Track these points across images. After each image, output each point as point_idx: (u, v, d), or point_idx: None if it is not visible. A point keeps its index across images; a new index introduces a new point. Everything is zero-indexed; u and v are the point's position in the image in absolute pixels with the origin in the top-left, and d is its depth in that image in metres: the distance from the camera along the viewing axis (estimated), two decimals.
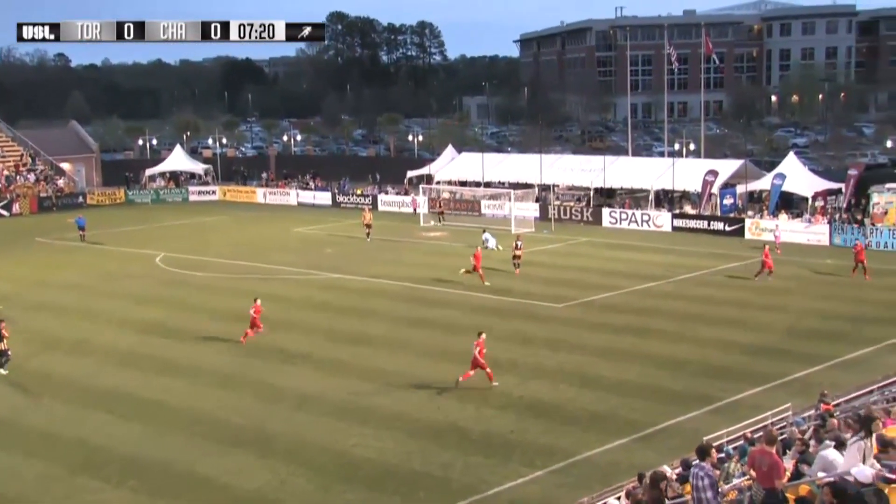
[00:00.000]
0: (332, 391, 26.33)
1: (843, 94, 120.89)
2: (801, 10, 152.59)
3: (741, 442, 18.69)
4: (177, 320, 35.02)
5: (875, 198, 48.54)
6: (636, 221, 55.93)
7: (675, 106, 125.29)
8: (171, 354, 30.50)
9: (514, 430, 22.98)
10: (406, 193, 67.80)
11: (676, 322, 32.96)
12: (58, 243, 55.66)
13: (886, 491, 11.60)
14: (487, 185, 63.69)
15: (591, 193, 59.82)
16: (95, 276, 44.86)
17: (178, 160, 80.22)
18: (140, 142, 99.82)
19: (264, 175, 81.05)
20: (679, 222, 54.25)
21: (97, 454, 22.24)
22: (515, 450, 21.82)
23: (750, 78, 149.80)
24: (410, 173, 70.71)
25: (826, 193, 52.21)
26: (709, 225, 52.91)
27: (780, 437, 15.79)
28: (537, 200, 60.44)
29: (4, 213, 69.06)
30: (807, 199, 51.93)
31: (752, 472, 12.76)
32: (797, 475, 13.81)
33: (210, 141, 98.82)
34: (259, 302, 31.37)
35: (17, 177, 74.31)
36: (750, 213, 53.13)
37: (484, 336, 26.20)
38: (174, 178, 79.47)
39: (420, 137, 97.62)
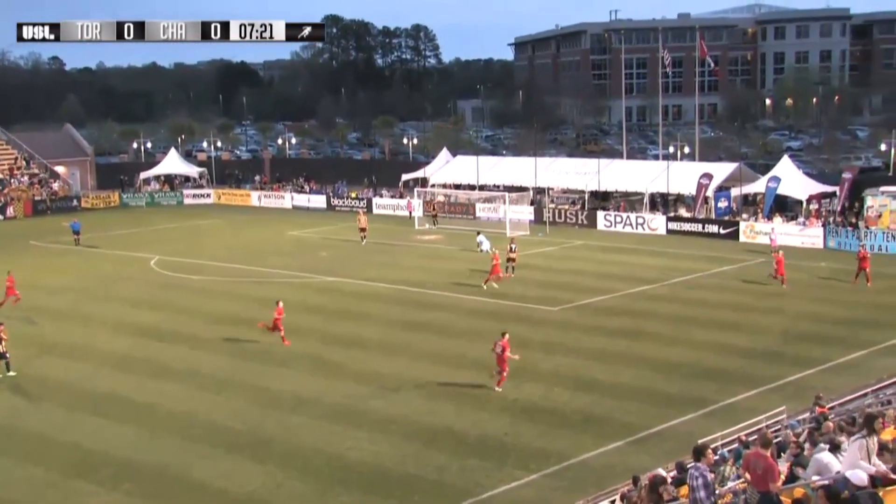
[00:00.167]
0: (328, 394, 26.33)
1: (837, 98, 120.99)
2: (795, 14, 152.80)
3: (736, 445, 18.71)
4: (171, 324, 34.97)
5: (869, 201, 48.62)
6: (631, 224, 56.00)
7: (669, 109, 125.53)
8: (166, 358, 30.47)
9: (508, 434, 22.98)
10: (401, 196, 67.84)
11: (671, 325, 33.00)
12: (52, 247, 55.60)
13: (881, 494, 11.62)
14: (482, 188, 63.80)
15: (586, 196, 59.90)
16: (90, 279, 44.81)
17: (172, 163, 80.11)
18: (135, 145, 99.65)
19: (257, 178, 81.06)
20: (674, 225, 54.35)
21: (92, 458, 22.19)
22: (510, 453, 21.83)
23: (744, 81, 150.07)
24: (405, 176, 70.88)
25: (820, 196, 52.34)
26: (703, 228, 53.01)
27: (774, 441, 15.82)
28: (532, 203, 60.48)
29: None
30: (801, 202, 52.10)
31: (747, 476, 12.80)
32: (792, 478, 13.84)
33: (205, 144, 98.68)
34: (282, 304, 31.61)
35: (12, 180, 74.26)
36: (744, 216, 53.25)
37: (507, 336, 26.21)
38: (169, 181, 79.45)
39: (415, 140, 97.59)
